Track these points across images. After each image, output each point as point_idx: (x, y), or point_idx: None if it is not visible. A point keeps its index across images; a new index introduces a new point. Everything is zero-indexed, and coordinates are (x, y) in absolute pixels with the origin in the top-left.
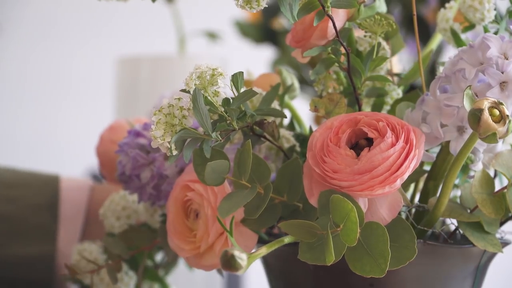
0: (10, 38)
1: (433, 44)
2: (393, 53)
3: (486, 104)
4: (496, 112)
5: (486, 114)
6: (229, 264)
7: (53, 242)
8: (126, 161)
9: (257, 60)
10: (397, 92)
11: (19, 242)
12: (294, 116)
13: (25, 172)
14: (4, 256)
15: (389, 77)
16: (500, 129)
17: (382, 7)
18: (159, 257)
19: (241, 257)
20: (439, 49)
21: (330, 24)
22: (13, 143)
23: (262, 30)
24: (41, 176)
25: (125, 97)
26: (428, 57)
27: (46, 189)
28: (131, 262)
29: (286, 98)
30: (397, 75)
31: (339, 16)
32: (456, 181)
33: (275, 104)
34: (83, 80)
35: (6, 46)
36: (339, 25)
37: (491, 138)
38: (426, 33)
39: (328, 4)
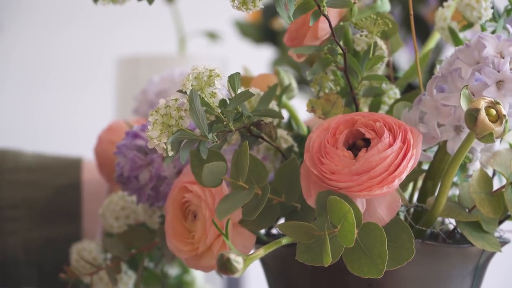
0: (10, 38)
1: (432, 43)
2: (392, 52)
3: (483, 104)
4: (493, 111)
5: (482, 114)
6: (225, 267)
7: (78, 223)
8: (124, 163)
9: (257, 60)
10: (395, 92)
11: (44, 225)
12: (292, 116)
13: (48, 156)
14: (30, 240)
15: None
16: (497, 128)
17: (384, 7)
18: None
19: (237, 260)
20: (439, 49)
21: (321, 24)
22: (12, 143)
23: (262, 30)
24: (64, 159)
25: (125, 97)
26: (427, 57)
27: (68, 171)
28: (130, 262)
29: (284, 98)
30: (395, 75)
31: (329, 16)
32: (455, 179)
33: (273, 105)
34: (83, 80)
35: (6, 46)
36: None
37: (488, 137)
38: (426, 33)
39: (324, 3)
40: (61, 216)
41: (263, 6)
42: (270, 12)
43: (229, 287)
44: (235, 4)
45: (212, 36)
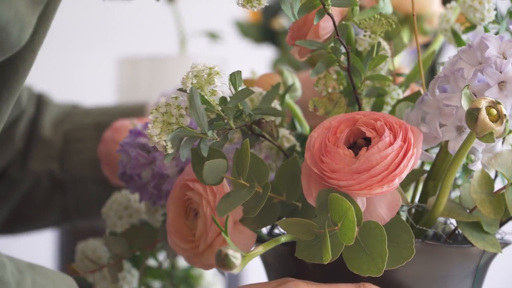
0: None
1: (436, 45)
2: (396, 53)
3: (483, 104)
4: (494, 111)
5: (483, 113)
6: (223, 262)
7: None
8: (127, 161)
9: (257, 60)
10: (398, 93)
11: None
12: (295, 116)
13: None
14: (96, 159)
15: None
16: (497, 128)
17: (386, 8)
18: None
19: (235, 256)
20: (439, 49)
21: (323, 23)
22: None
23: (262, 30)
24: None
25: (125, 98)
26: (430, 58)
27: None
28: (134, 261)
29: (287, 97)
30: (399, 75)
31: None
32: (459, 182)
33: (276, 104)
34: (84, 81)
35: None
36: (330, 25)
37: (488, 137)
38: None
39: (329, 2)
40: None
41: (267, 4)
42: (270, 12)
43: (229, 286)
44: (240, 2)
45: (213, 36)
